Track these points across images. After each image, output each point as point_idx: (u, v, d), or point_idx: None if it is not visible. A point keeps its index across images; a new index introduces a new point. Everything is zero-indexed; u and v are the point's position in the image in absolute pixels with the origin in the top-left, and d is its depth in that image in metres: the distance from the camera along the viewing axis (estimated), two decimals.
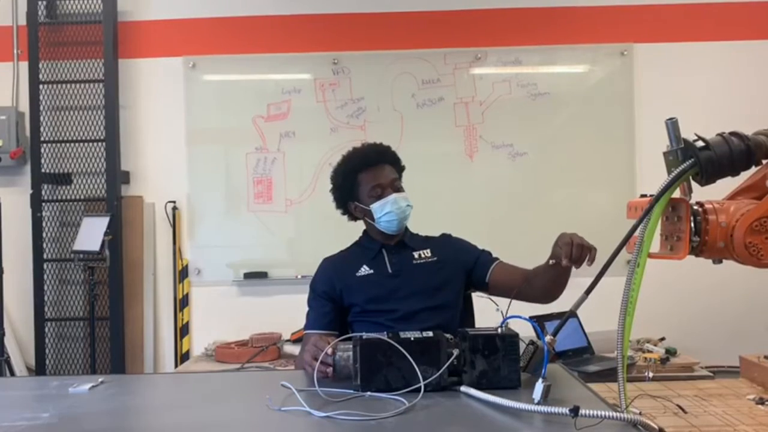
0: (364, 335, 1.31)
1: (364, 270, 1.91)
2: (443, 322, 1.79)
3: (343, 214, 2.01)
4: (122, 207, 3.42)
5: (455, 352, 1.30)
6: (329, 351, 1.37)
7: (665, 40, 3.44)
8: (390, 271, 1.90)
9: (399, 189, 1.90)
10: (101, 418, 1.23)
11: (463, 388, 1.27)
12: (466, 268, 1.94)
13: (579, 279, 3.33)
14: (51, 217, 3.47)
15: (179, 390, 1.51)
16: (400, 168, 1.98)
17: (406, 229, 1.98)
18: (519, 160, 3.42)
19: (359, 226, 2.04)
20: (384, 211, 1.87)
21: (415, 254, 1.93)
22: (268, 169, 3.46)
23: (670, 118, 1.20)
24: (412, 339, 1.29)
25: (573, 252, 1.55)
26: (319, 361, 1.36)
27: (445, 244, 1.99)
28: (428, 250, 1.94)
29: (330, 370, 1.36)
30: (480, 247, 2.00)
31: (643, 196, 1.26)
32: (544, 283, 1.77)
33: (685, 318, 3.29)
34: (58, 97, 3.49)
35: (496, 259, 1.95)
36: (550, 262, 1.66)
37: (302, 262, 3.38)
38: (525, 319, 1.34)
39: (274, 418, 1.17)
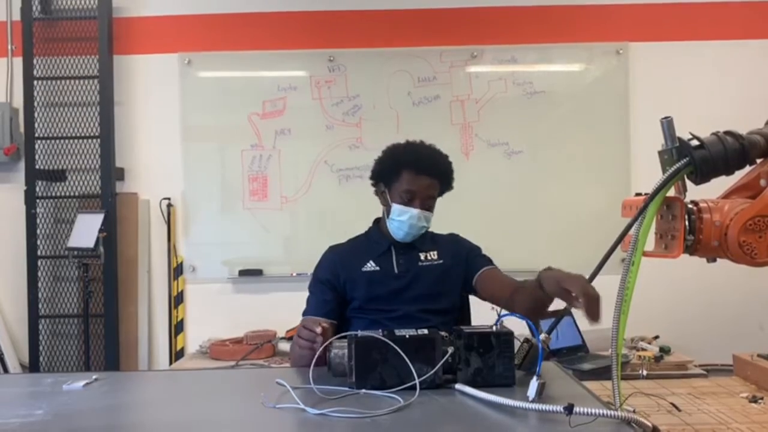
0: (359, 333, 1.31)
1: (370, 266, 1.88)
2: (441, 325, 1.78)
3: (373, 185, 1.96)
4: (117, 204, 3.41)
5: (450, 350, 1.30)
6: (318, 330, 1.45)
7: (661, 39, 3.45)
8: (396, 271, 1.87)
9: (428, 208, 1.85)
10: (95, 415, 1.23)
11: (458, 386, 1.27)
12: (463, 269, 1.92)
13: None
14: (45, 213, 3.46)
15: (173, 387, 1.50)
16: (446, 187, 1.91)
17: None
18: (514, 159, 3.43)
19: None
20: (400, 218, 1.83)
21: (422, 255, 1.90)
22: (264, 166, 3.45)
23: (665, 117, 1.20)
24: (407, 337, 1.29)
25: (591, 307, 1.32)
26: (320, 350, 1.41)
27: (451, 245, 1.96)
28: (435, 252, 1.91)
29: (317, 345, 1.43)
30: (483, 251, 1.97)
31: (638, 194, 1.26)
32: (527, 303, 1.60)
33: (679, 316, 3.30)
34: (52, 93, 3.48)
35: (489, 265, 1.92)
36: (544, 290, 1.49)
37: (297, 259, 3.37)
38: (519, 317, 1.34)
39: (268, 416, 1.17)
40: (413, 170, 1.83)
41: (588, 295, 1.32)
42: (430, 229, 1.95)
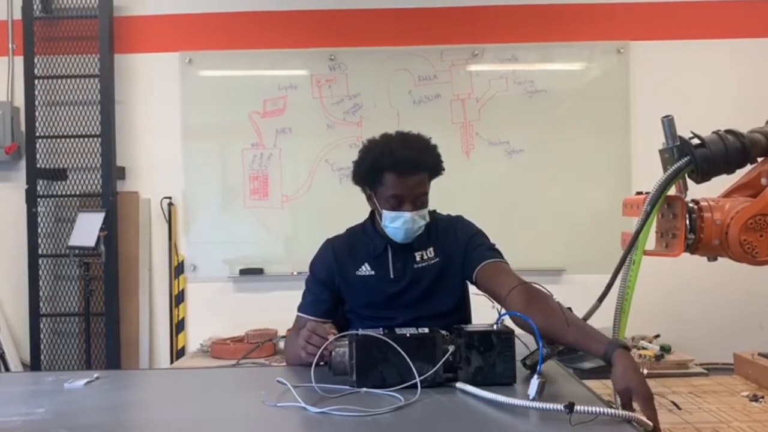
0: (360, 331, 1.31)
1: (365, 269, 1.79)
2: (441, 327, 1.73)
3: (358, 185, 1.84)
4: (118, 203, 3.41)
5: (451, 348, 1.30)
6: (330, 339, 1.40)
7: (661, 38, 3.44)
8: (392, 276, 1.78)
9: (420, 205, 1.70)
10: (97, 413, 1.23)
11: (458, 385, 1.27)
12: (461, 262, 1.80)
13: (580, 276, 3.39)
14: (46, 212, 3.46)
15: (174, 386, 1.51)
16: (436, 174, 1.75)
17: None
18: (515, 157, 3.43)
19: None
20: (393, 224, 1.71)
21: (417, 255, 1.79)
22: (264, 165, 3.45)
23: (666, 116, 1.20)
24: (408, 335, 1.29)
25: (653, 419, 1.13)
26: (321, 348, 1.38)
27: (450, 234, 1.82)
28: (431, 249, 1.80)
29: (325, 353, 1.38)
30: (491, 241, 1.84)
31: (638, 193, 1.27)
32: (544, 328, 1.32)
33: (680, 315, 3.30)
34: (53, 92, 3.48)
35: (491, 257, 1.75)
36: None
37: (298, 258, 3.37)
38: (522, 316, 1.34)
39: (269, 414, 1.17)
40: (395, 173, 1.66)
41: (655, 423, 1.12)
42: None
